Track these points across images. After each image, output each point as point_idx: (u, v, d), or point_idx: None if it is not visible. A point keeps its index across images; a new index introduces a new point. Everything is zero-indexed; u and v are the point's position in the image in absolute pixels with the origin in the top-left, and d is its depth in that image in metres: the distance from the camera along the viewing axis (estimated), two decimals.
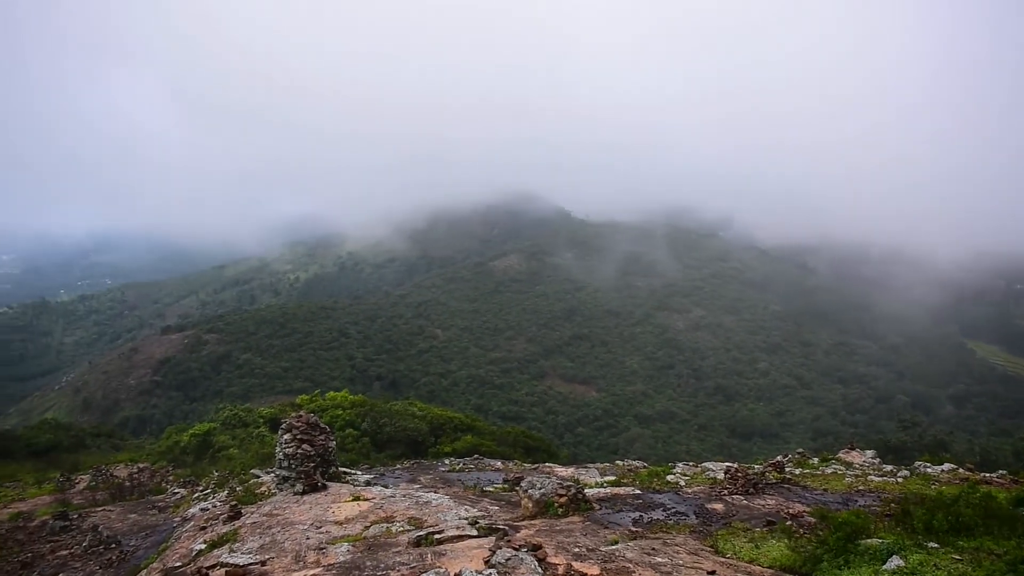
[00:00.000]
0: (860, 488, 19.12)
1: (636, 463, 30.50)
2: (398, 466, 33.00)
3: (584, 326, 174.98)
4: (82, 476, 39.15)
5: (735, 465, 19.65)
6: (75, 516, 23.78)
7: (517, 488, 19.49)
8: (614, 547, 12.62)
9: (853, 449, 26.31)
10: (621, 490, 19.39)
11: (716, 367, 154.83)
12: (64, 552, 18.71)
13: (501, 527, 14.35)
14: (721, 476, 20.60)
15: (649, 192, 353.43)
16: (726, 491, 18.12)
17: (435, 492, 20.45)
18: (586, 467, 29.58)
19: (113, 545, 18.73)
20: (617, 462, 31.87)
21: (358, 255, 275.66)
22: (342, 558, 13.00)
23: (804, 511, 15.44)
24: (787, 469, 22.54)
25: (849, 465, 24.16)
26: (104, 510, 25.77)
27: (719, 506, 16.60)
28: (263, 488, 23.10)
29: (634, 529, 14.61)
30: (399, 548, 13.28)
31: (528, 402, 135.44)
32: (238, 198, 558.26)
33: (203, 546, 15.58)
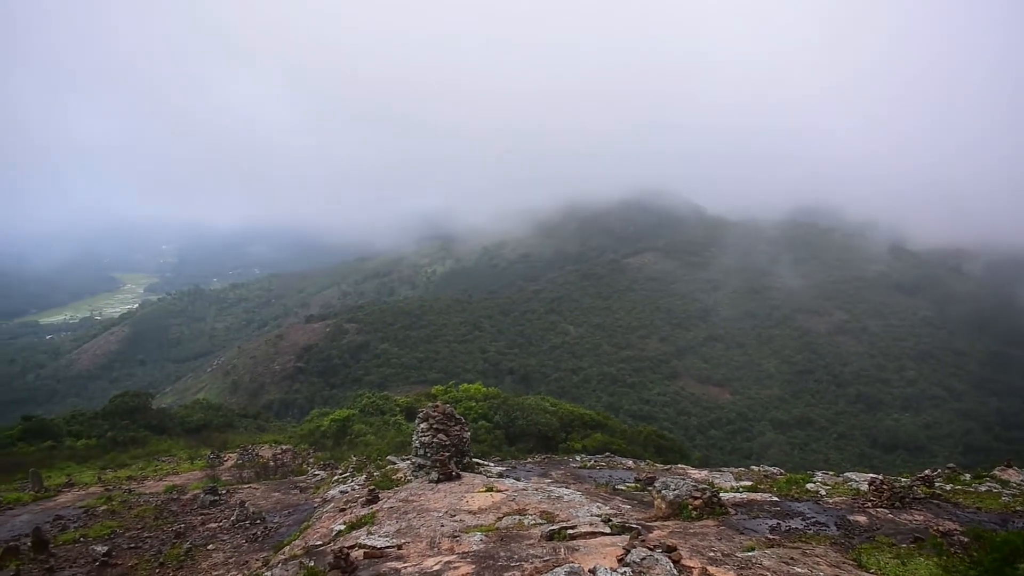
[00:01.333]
0: (1018, 509, 17.74)
1: (772, 469, 29.50)
2: (529, 460, 33.17)
3: (720, 327, 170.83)
4: (230, 454, 41.35)
5: (880, 477, 18.61)
6: (224, 492, 25.11)
7: (650, 488, 19.21)
8: (750, 554, 12.22)
9: (1010, 467, 24.41)
10: (757, 496, 18.76)
11: (858, 373, 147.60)
12: (213, 525, 19.77)
13: (634, 526, 14.16)
14: (864, 487, 19.58)
15: (790, 191, 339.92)
16: (870, 503, 17.20)
17: (567, 488, 20.40)
18: (720, 471, 28.87)
19: (258, 521, 19.66)
20: (752, 467, 30.90)
21: (493, 250, 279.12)
22: (475, 547, 13.14)
23: (956, 529, 14.44)
24: (936, 484, 21.21)
25: (1005, 484, 22.46)
26: (250, 487, 27.07)
27: (862, 518, 15.78)
28: (399, 474, 23.69)
29: (771, 537, 14.09)
30: (531, 541, 13.30)
31: (660, 402, 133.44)
32: (373, 194, 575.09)
33: (342, 527, 16.11)
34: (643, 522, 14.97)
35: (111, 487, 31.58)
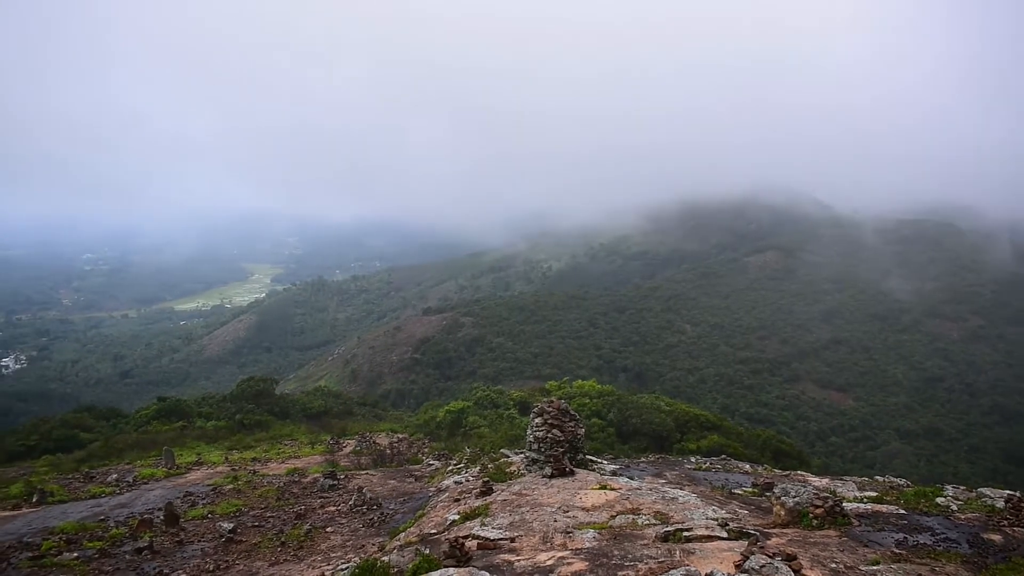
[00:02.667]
0: None
1: (898, 480, 28.07)
2: (642, 459, 32.69)
3: (844, 329, 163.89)
4: (348, 441, 42.52)
5: (1017, 494, 17.37)
6: (342, 476, 25.79)
7: (768, 494, 18.58)
8: (875, 568, 11.59)
9: None
10: (882, 507, 17.82)
11: (995, 383, 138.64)
12: (332, 508, 20.32)
13: (752, 532, 13.69)
14: (1000, 504, 18.32)
15: (921, 189, 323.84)
16: (1006, 522, 16.04)
17: (681, 489, 19.96)
18: (842, 479, 27.67)
19: (375, 506, 20.08)
20: (876, 477, 29.50)
21: (610, 247, 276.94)
22: (588, 544, 12.99)
23: None
24: None
25: None
26: (367, 474, 27.72)
27: (997, 537, 14.74)
28: (512, 468, 23.77)
29: (897, 551, 13.33)
30: (645, 541, 13.05)
31: (778, 405, 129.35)
32: (488, 191, 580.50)
33: (457, 517, 16.24)
34: (761, 528, 14.46)
35: (237, 467, 33.02)
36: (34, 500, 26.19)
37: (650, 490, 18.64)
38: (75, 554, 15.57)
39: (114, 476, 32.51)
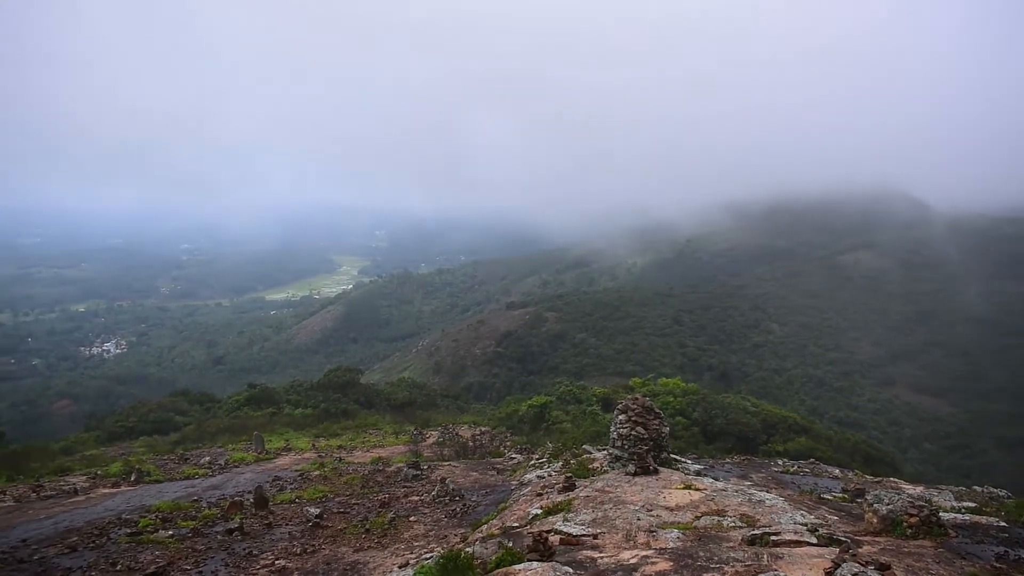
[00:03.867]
0: None
1: (998, 491, 26.82)
2: (727, 460, 32.07)
3: (941, 332, 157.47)
4: (432, 432, 43.01)
5: None
6: (425, 467, 26.08)
7: (859, 500, 17.98)
8: None
9: None
10: (982, 519, 17.02)
11: None
12: (415, 498, 20.55)
13: (842, 539, 13.23)
14: None
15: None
16: None
17: (768, 492, 19.46)
18: (938, 488, 26.57)
19: (457, 498, 20.23)
20: (975, 487, 28.24)
21: (695, 243, 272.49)
22: (672, 544, 12.78)
23: None
24: None
25: None
26: (449, 465, 27.96)
27: None
28: (595, 464, 23.61)
29: (998, 566, 12.68)
30: (731, 544, 12.76)
31: (869, 409, 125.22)
32: (571, 186, 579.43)
33: (539, 511, 16.22)
34: (852, 535, 13.97)
35: (323, 454, 33.76)
36: (132, 479, 27.30)
37: (736, 492, 18.25)
38: (170, 532, 16.15)
39: (207, 459, 33.65)
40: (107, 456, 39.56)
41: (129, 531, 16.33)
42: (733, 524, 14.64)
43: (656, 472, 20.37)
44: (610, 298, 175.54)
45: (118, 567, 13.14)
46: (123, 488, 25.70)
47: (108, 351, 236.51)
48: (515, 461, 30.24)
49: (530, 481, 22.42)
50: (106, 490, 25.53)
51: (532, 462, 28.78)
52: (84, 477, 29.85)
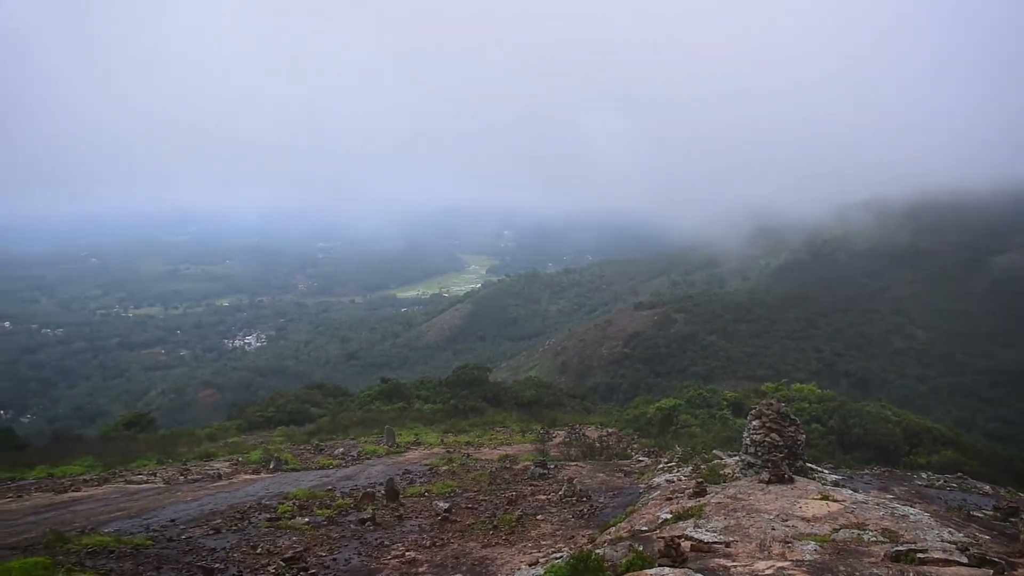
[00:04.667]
0: None
1: None
2: (866, 471, 30.67)
3: None
4: (558, 431, 43.02)
5: None
6: (552, 466, 26.07)
7: (1013, 519, 16.84)
8: None
9: None
10: None
11: None
12: (542, 497, 20.56)
13: (996, 560, 12.36)
14: None
15: None
16: None
17: (912, 506, 18.45)
18: None
19: (584, 498, 20.12)
20: None
21: (833, 243, 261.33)
22: (809, 556, 12.28)
23: None
24: None
25: None
26: (576, 465, 27.86)
27: None
28: (726, 470, 23.03)
29: None
30: (873, 559, 12.14)
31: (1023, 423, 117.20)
32: (699, 186, 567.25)
33: (668, 516, 15.93)
34: (1006, 556, 13.03)
35: (452, 450, 34.29)
36: (271, 467, 28.52)
37: (877, 505, 17.38)
38: (306, 519, 16.74)
39: (340, 450, 34.78)
40: (248, 444, 41.48)
41: (268, 516, 17.02)
42: (874, 539, 13.94)
43: (791, 481, 19.66)
44: (741, 299, 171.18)
45: (258, 550, 13.70)
46: (262, 475, 26.87)
47: (249, 344, 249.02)
48: (643, 464, 29.84)
49: (659, 485, 22.05)
50: (247, 476, 26.77)
51: (660, 466, 28.32)
52: (227, 463, 31.41)
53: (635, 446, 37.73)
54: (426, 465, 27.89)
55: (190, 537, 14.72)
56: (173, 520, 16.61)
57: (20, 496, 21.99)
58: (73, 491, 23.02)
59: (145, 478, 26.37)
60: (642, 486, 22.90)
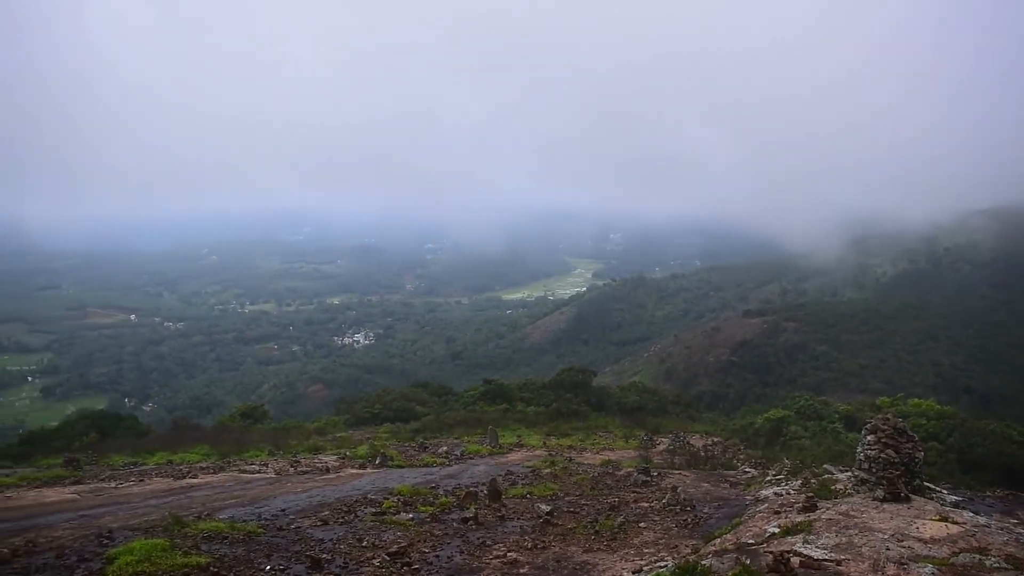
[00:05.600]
0: None
1: None
2: (987, 493, 29.09)
3: None
4: (662, 438, 42.49)
5: None
6: (655, 474, 25.77)
7: None
8: None
9: None
10: None
11: None
12: (645, 504, 20.34)
13: None
14: None
15: None
16: None
17: None
18: None
19: (689, 508, 19.79)
20: None
21: (955, 251, 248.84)
22: None
23: None
24: None
25: None
26: (680, 474, 27.46)
27: None
28: (838, 486, 22.23)
29: None
30: None
31: None
32: (808, 190, 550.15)
33: (776, 530, 15.50)
34: None
35: (554, 453, 34.31)
36: (377, 462, 29.15)
37: (1000, 529, 16.45)
38: (410, 515, 17.03)
39: (444, 449, 35.27)
40: (354, 439, 42.53)
41: (374, 511, 17.39)
42: (997, 565, 13.19)
43: (907, 500, 18.82)
44: (855, 309, 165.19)
45: (364, 543, 14.01)
46: (369, 470, 27.50)
47: (358, 342, 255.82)
48: (749, 475, 29.16)
49: (766, 497, 21.47)
50: (353, 470, 27.45)
51: (768, 478, 27.60)
52: (334, 457, 32.30)
53: (741, 457, 36.90)
54: (528, 467, 27.97)
55: (299, 527, 15.18)
56: (283, 510, 17.16)
57: (142, 480, 23.19)
58: (191, 478, 24.13)
59: (257, 468, 27.39)
60: (748, 498, 22.38)
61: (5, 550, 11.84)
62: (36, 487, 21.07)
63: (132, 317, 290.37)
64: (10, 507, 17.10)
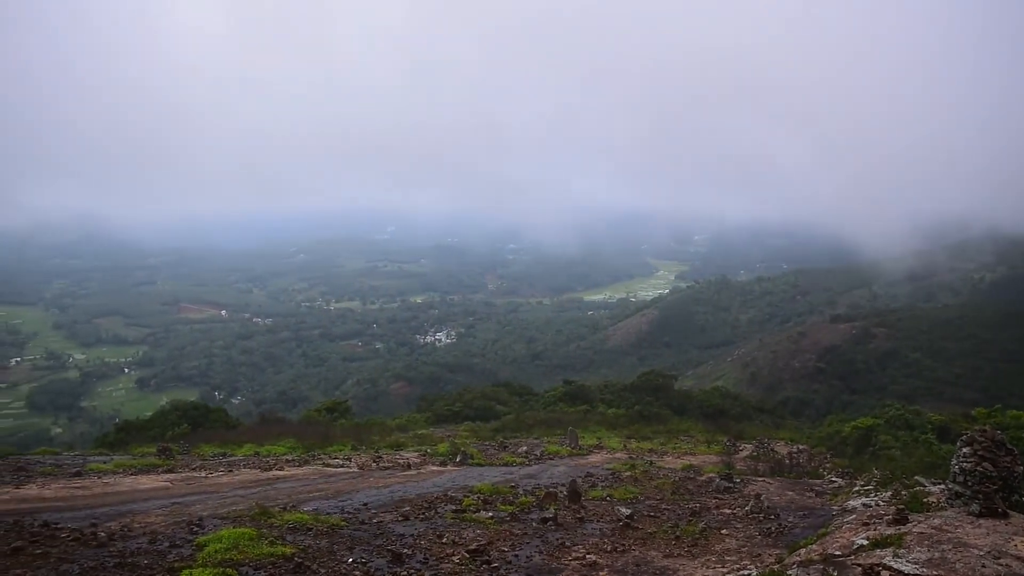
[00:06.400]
0: None
1: None
2: None
3: None
4: (745, 444, 41.75)
5: None
6: (737, 480, 25.32)
7: None
8: None
9: None
10: None
11: None
12: (727, 511, 20.00)
13: None
14: None
15: None
16: None
17: None
18: None
19: (772, 516, 19.38)
20: None
21: None
22: None
23: None
24: None
25: None
26: (763, 481, 26.93)
27: None
28: (930, 499, 21.44)
29: None
30: None
31: None
32: (894, 194, 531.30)
33: (865, 542, 15.03)
34: None
35: (634, 456, 34.07)
36: (457, 460, 29.42)
37: None
38: (490, 514, 17.12)
39: (523, 448, 35.35)
40: (435, 436, 43.01)
41: (454, 508, 17.55)
42: None
43: (1005, 515, 18.01)
44: (950, 315, 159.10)
45: (444, 539, 14.15)
46: (449, 468, 27.77)
47: (439, 340, 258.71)
48: (836, 485, 28.36)
49: (854, 508, 20.85)
50: (434, 468, 27.76)
51: (856, 488, 26.81)
52: (415, 453, 32.70)
53: (827, 466, 35.94)
54: (608, 469, 27.82)
55: (380, 521, 15.42)
56: (365, 504, 17.46)
57: (231, 471, 23.90)
58: (277, 470, 24.76)
59: (341, 462, 27.92)
60: (835, 508, 21.78)
61: (102, 533, 12.37)
62: (131, 474, 21.92)
63: (223, 313, 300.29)
64: (107, 493, 17.84)
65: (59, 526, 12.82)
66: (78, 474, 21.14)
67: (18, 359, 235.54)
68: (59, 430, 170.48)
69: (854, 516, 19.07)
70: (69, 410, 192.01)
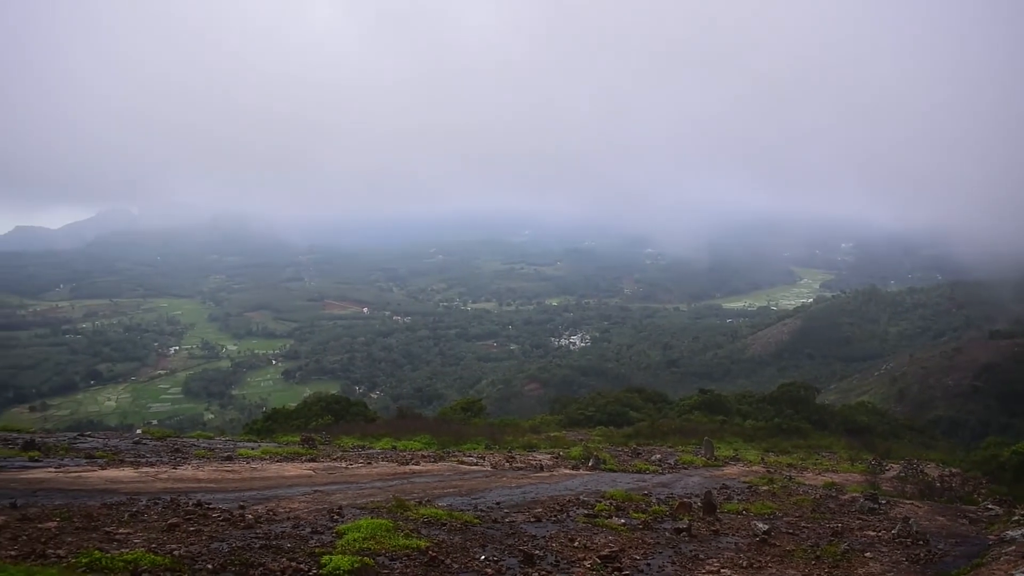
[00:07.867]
0: None
1: None
2: None
3: None
4: (892, 464, 39.84)
5: None
6: (883, 502, 24.16)
7: None
8: None
9: None
10: None
11: None
12: (871, 533, 19.11)
13: None
14: None
15: None
16: None
17: None
18: None
19: (921, 542, 18.36)
20: None
21: None
22: None
23: None
24: None
25: None
26: (911, 504, 25.59)
27: None
28: None
29: None
30: None
31: None
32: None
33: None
34: None
35: (772, 470, 33.01)
36: (590, 464, 29.35)
37: None
38: (622, 520, 16.98)
39: (657, 456, 34.95)
40: (568, 439, 43.09)
41: (585, 512, 17.50)
42: None
43: None
44: None
45: (575, 543, 14.13)
46: (581, 471, 27.73)
47: (574, 344, 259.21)
48: (992, 512, 26.58)
49: (1012, 539, 19.47)
50: (566, 471, 27.78)
51: (1016, 517, 25.05)
52: (548, 455, 32.85)
53: (983, 491, 33.79)
54: (745, 482, 27.11)
55: (513, 521, 15.56)
56: (498, 503, 17.65)
57: (369, 463, 24.71)
58: (413, 464, 25.41)
59: (474, 460, 28.38)
60: (991, 538, 20.43)
61: (249, 516, 13.05)
62: (277, 461, 23.00)
63: (364, 310, 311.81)
64: (255, 477, 18.79)
65: (211, 506, 13.59)
66: (229, 458, 22.43)
67: (176, 348, 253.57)
68: (211, 416, 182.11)
69: (1013, 547, 17.84)
70: (220, 397, 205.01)
